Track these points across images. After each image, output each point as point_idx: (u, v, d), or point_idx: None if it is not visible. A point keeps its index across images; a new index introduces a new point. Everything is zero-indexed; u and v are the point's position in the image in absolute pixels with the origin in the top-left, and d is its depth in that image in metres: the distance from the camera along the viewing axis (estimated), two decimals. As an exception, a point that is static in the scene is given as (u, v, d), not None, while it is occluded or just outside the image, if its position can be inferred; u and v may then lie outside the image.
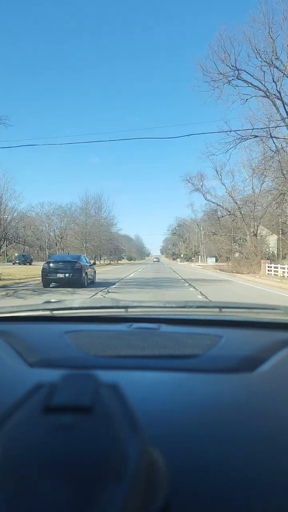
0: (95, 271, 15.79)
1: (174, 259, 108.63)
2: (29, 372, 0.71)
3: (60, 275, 12.66)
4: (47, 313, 1.18)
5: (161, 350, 0.82)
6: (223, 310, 1.24)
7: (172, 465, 0.35)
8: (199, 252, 78.13)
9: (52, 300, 1.40)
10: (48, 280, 12.88)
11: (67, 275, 12.62)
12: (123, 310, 1.22)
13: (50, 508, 0.24)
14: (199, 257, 66.78)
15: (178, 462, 0.39)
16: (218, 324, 1.12)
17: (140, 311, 1.26)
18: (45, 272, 12.93)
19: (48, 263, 13.23)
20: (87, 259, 15.29)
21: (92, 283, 14.25)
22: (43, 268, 13.18)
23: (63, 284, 12.77)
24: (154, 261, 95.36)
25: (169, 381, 0.66)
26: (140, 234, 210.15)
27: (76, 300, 1.33)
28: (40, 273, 13.42)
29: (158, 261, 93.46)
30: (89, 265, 14.57)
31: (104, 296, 9.34)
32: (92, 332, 0.99)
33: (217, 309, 1.26)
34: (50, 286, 12.91)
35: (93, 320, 1.17)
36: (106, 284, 14.26)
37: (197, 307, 1.31)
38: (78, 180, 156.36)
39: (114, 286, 13.77)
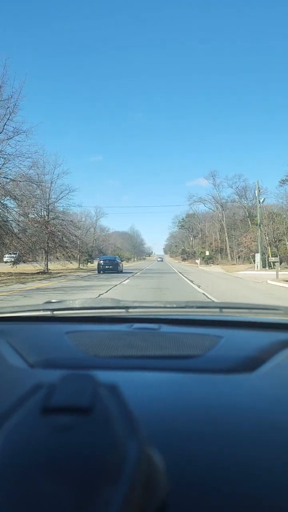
0: (122, 265, 29.42)
1: (184, 259, 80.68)
2: (29, 372, 0.72)
3: (107, 267, 25.43)
4: (48, 313, 1.20)
5: (161, 350, 0.83)
6: (224, 310, 1.26)
7: (171, 465, 0.35)
8: (223, 248, 58.33)
9: (53, 300, 1.41)
10: (100, 269, 25.39)
11: (111, 267, 25.40)
12: (123, 310, 1.24)
13: (50, 508, 0.24)
14: (255, 256, 32.71)
15: (177, 462, 0.39)
16: (219, 324, 1.12)
17: (140, 311, 1.28)
18: (99, 265, 25.86)
19: (100, 260, 26.38)
20: (118, 257, 29.16)
21: (121, 271, 26.57)
22: (98, 263, 26.26)
23: (108, 272, 25.04)
24: (158, 261, 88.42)
25: (169, 382, 0.66)
26: (138, 228, 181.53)
27: (77, 300, 1.34)
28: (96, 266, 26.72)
29: (162, 261, 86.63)
30: (120, 262, 27.81)
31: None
32: (92, 332, 1.01)
33: (218, 310, 1.27)
34: (101, 272, 25.42)
35: (93, 320, 1.18)
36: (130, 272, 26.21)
37: (198, 307, 1.32)
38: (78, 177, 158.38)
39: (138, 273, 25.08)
